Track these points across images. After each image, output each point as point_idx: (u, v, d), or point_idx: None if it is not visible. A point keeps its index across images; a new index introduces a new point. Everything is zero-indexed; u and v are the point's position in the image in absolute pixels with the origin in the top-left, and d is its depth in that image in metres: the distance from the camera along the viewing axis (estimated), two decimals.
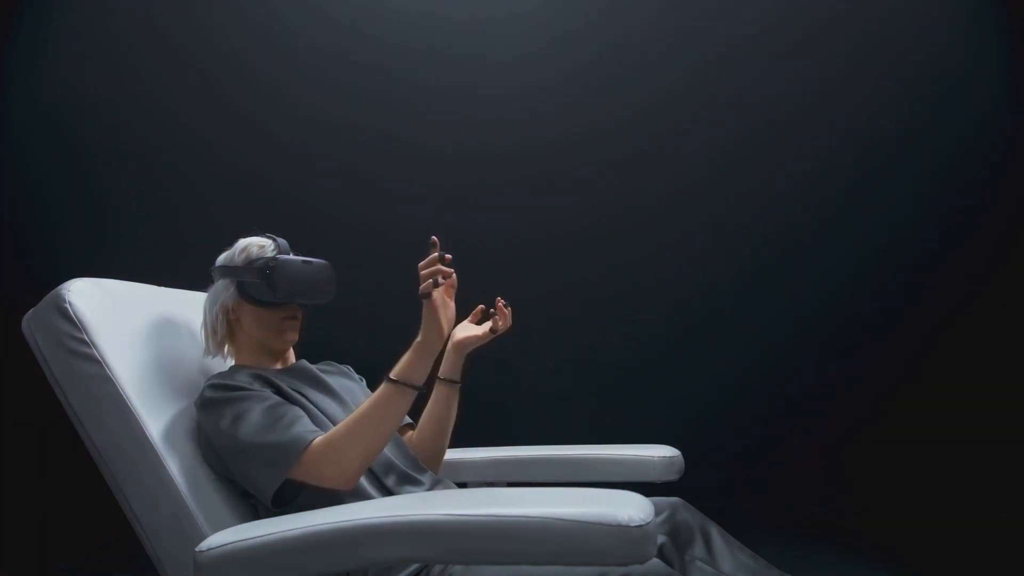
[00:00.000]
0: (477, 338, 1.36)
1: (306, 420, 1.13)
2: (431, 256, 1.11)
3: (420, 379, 1.08)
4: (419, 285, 1.09)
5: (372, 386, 1.45)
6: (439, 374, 1.40)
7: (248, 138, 3.02)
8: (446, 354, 1.40)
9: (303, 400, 1.21)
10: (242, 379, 1.17)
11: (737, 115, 3.01)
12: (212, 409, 1.13)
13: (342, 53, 3.04)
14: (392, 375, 1.08)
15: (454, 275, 1.16)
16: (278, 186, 3.01)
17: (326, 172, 3.04)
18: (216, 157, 3.00)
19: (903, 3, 2.90)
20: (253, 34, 3.03)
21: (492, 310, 1.36)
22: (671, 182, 3.04)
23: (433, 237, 1.13)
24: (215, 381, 1.17)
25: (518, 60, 3.04)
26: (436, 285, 1.08)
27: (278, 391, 1.19)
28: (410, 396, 1.08)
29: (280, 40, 3.03)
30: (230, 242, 1.32)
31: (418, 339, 1.09)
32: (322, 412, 1.22)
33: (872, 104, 2.94)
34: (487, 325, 1.36)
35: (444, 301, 1.11)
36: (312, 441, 1.06)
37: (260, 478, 1.06)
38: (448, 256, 1.13)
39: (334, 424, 1.20)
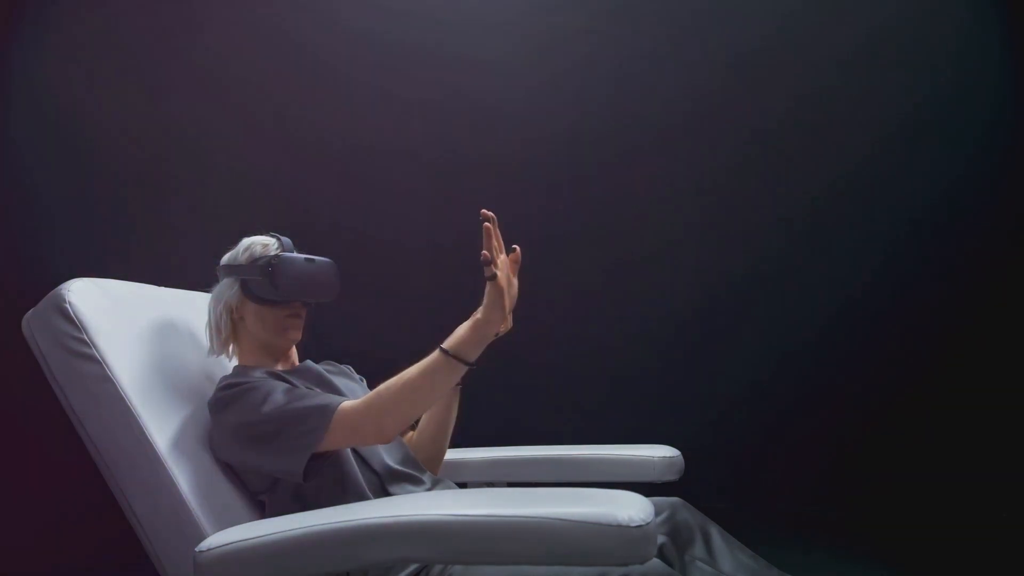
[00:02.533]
0: None
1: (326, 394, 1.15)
2: (485, 237, 1.06)
3: (472, 355, 1.05)
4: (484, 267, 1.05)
5: (373, 387, 1.46)
6: None
7: (248, 138, 3.01)
8: None
9: None
10: (253, 375, 1.19)
11: (743, 119, 3.00)
12: (231, 402, 1.14)
13: (344, 54, 3.04)
14: (444, 346, 1.05)
15: (518, 250, 1.11)
16: (277, 186, 3.01)
17: (327, 172, 3.04)
18: (216, 157, 3.00)
19: (910, 7, 2.90)
20: (251, 35, 3.02)
21: None
22: (673, 185, 3.04)
23: (485, 213, 1.06)
24: (228, 381, 1.18)
25: (522, 61, 3.04)
26: (488, 262, 1.03)
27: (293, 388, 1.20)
28: (459, 370, 1.06)
29: (280, 40, 3.03)
30: (230, 242, 1.32)
31: (478, 316, 1.05)
32: None
33: (878, 107, 2.93)
34: None
35: (509, 280, 1.08)
36: (341, 403, 1.08)
37: (295, 448, 1.06)
38: (491, 214, 1.07)
39: None
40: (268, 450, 1.09)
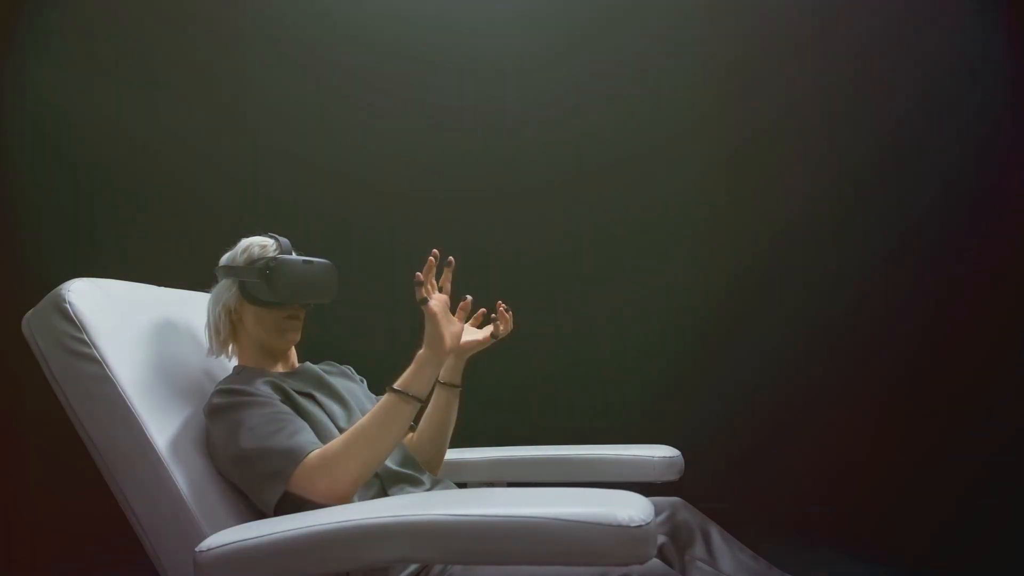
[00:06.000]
0: (478, 343, 1.34)
1: (307, 432, 1.12)
2: (427, 265, 1.12)
3: (422, 390, 1.07)
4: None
5: (373, 388, 1.46)
6: (439, 378, 1.39)
7: (248, 139, 3.01)
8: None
9: (311, 405, 1.21)
10: (248, 384, 1.17)
11: (742, 121, 3.00)
12: (218, 415, 1.13)
13: (345, 55, 3.04)
14: (395, 385, 1.07)
15: (469, 299, 1.18)
16: (278, 187, 3.01)
17: (327, 173, 3.04)
18: (216, 158, 3.00)
19: (908, 5, 2.90)
20: (251, 35, 3.02)
21: (493, 315, 1.35)
22: (674, 187, 3.04)
23: (434, 251, 1.13)
24: (222, 387, 1.17)
25: (524, 64, 3.04)
26: (419, 283, 1.08)
27: (287, 397, 1.19)
28: (412, 407, 1.07)
29: (280, 41, 3.03)
30: (229, 242, 1.32)
31: (420, 350, 1.09)
32: (328, 416, 1.22)
33: (875, 107, 2.93)
34: (488, 329, 1.35)
35: (447, 316, 1.10)
36: (310, 453, 1.05)
37: (262, 488, 1.07)
38: (451, 259, 1.17)
39: (339, 429, 1.20)
40: (242, 478, 1.10)
